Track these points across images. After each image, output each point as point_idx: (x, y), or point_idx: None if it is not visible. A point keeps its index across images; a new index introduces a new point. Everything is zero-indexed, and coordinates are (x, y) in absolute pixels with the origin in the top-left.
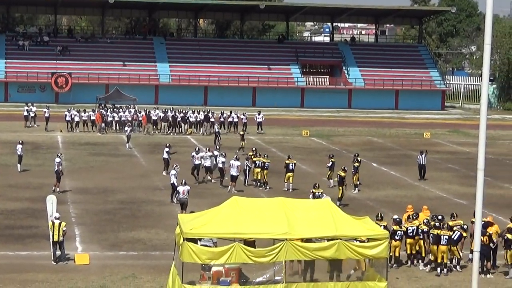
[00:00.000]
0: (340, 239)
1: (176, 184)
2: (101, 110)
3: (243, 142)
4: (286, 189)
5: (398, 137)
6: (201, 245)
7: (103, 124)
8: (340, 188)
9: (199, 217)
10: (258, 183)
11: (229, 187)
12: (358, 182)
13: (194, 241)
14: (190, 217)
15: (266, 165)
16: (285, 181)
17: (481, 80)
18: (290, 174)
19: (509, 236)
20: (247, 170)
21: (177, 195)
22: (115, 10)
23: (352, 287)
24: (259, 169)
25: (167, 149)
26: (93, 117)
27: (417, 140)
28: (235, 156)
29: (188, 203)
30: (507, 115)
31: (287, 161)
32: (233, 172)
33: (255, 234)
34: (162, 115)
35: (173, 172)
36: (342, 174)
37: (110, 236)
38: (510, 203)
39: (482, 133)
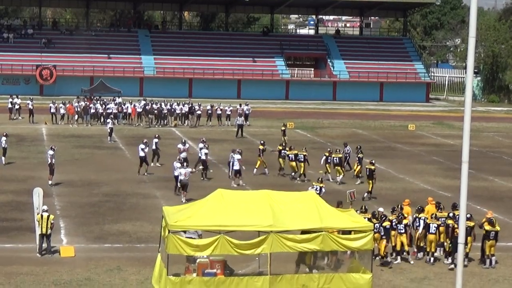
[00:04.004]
0: (325, 231)
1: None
2: (78, 102)
3: (284, 138)
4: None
5: (383, 129)
6: (186, 237)
7: (76, 116)
8: (370, 181)
9: (184, 210)
10: (293, 174)
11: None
12: (360, 174)
13: (179, 233)
14: (175, 209)
15: (299, 157)
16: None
17: (465, 73)
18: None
19: (486, 227)
20: (231, 163)
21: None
22: (99, 2)
23: (336, 279)
24: (294, 162)
25: (156, 140)
26: (78, 109)
27: (401, 133)
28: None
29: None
30: (491, 107)
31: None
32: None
33: (240, 226)
34: (148, 107)
35: (177, 165)
36: (372, 167)
37: (95, 229)
38: (494, 196)
39: (467, 125)
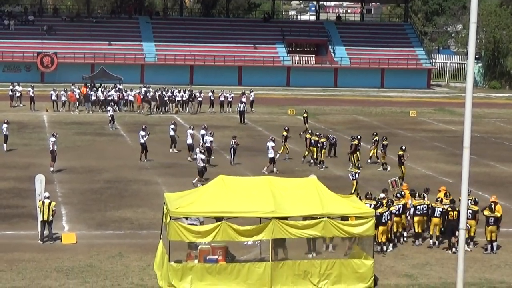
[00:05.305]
0: (327, 217)
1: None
2: (73, 89)
3: (306, 125)
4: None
5: (384, 116)
6: (188, 224)
7: (76, 103)
8: (400, 167)
9: (186, 196)
10: (314, 162)
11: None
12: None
13: (180, 220)
14: (176, 196)
15: (324, 144)
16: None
17: (467, 59)
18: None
19: (485, 212)
20: (233, 149)
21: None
22: None
23: (338, 265)
24: (315, 148)
25: (172, 126)
26: (79, 96)
27: (403, 119)
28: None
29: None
30: (493, 93)
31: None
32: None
33: (241, 212)
34: (149, 94)
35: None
36: (400, 152)
37: (97, 215)
38: (495, 181)
39: (468, 111)
